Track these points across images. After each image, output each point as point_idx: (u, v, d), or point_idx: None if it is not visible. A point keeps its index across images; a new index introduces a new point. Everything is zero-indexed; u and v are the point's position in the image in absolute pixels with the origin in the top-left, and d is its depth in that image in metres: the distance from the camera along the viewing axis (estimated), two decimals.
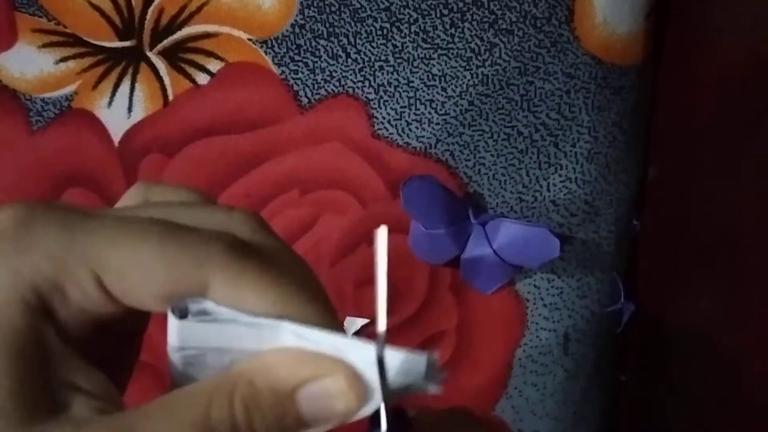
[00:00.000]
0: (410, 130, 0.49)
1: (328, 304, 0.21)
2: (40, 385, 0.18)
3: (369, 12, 0.48)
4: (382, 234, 0.19)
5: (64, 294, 0.19)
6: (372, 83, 0.49)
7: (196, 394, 0.19)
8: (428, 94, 0.49)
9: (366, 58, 0.49)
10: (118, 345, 0.22)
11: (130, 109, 0.50)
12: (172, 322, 0.19)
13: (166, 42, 0.49)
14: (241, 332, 0.20)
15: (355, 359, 0.19)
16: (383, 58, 0.48)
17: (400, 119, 0.49)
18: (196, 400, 0.18)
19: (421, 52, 0.48)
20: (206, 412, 0.18)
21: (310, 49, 0.49)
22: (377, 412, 0.20)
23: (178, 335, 0.20)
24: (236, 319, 0.20)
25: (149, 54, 0.50)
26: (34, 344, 0.18)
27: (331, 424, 0.20)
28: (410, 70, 0.48)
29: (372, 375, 0.19)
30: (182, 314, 0.19)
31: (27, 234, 0.19)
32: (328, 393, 0.19)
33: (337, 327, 0.20)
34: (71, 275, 0.19)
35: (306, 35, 0.49)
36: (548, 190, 0.49)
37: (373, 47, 0.48)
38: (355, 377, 0.19)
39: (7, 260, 0.18)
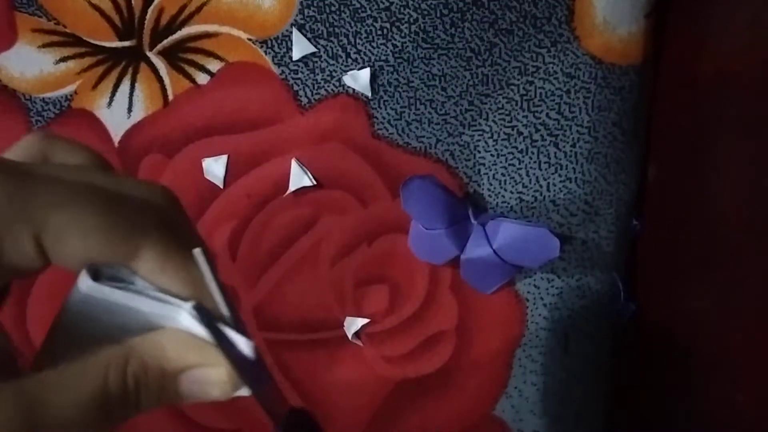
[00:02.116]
0: (410, 130, 0.49)
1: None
2: None
3: (369, 12, 0.48)
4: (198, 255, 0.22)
5: None
6: (372, 83, 0.49)
7: (94, 366, 0.20)
8: (428, 94, 0.49)
9: (366, 58, 0.49)
10: None
11: (130, 109, 0.50)
12: (85, 280, 0.21)
13: (166, 42, 0.49)
14: (145, 302, 0.21)
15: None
16: (383, 58, 0.48)
17: (400, 119, 0.49)
18: (95, 373, 0.20)
19: (421, 52, 0.48)
20: (104, 383, 0.20)
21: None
22: (281, 419, 0.23)
23: (86, 293, 0.21)
24: (144, 292, 0.21)
25: (149, 54, 0.50)
26: None
27: (202, 402, 0.22)
28: (410, 70, 0.48)
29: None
30: (95, 276, 0.21)
31: None
32: (209, 381, 0.22)
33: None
34: (11, 229, 0.20)
35: (306, 35, 0.49)
36: (548, 190, 0.49)
37: (373, 47, 0.48)
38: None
39: None
